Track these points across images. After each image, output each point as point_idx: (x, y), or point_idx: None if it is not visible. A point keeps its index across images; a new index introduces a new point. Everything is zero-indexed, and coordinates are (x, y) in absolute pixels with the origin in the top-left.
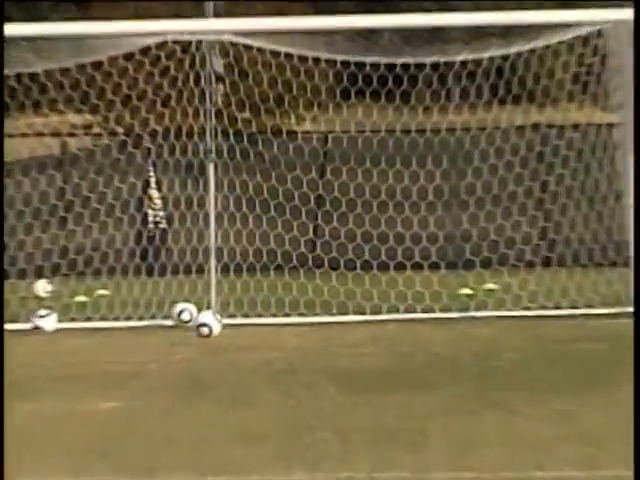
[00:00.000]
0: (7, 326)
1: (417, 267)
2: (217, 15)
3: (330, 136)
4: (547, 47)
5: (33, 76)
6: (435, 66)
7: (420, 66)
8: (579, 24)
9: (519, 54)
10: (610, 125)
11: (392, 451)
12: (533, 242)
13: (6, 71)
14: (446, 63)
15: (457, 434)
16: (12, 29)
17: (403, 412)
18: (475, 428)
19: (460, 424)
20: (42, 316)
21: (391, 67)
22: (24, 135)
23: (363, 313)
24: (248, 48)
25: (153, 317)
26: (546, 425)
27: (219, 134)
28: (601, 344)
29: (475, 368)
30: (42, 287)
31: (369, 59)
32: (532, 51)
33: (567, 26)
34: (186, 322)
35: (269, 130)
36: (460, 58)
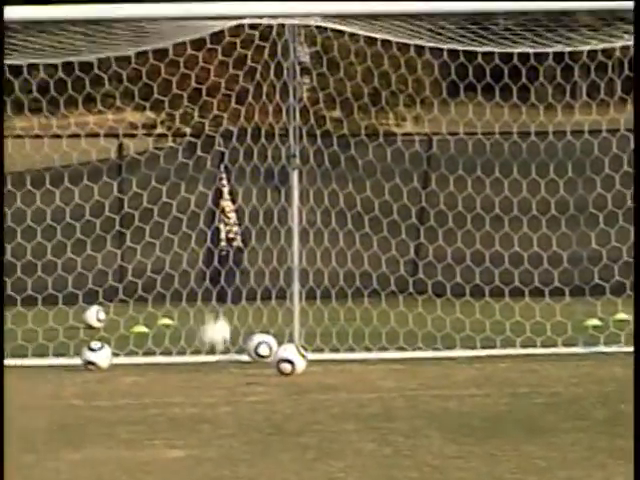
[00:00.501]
0: (54, 361)
1: (537, 294)
2: None
3: (435, 139)
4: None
5: (85, 66)
6: (559, 57)
7: (541, 57)
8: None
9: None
10: None
11: None
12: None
13: (54, 60)
14: (572, 53)
15: None
16: (59, 11)
17: (520, 464)
18: None
19: (586, 479)
20: (94, 349)
21: (507, 58)
22: (74, 136)
23: (473, 347)
24: (339, 34)
25: (226, 352)
26: None
27: (304, 136)
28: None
29: (603, 412)
30: (95, 315)
31: (481, 49)
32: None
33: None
34: (264, 357)
35: (363, 131)
36: (588, 48)
